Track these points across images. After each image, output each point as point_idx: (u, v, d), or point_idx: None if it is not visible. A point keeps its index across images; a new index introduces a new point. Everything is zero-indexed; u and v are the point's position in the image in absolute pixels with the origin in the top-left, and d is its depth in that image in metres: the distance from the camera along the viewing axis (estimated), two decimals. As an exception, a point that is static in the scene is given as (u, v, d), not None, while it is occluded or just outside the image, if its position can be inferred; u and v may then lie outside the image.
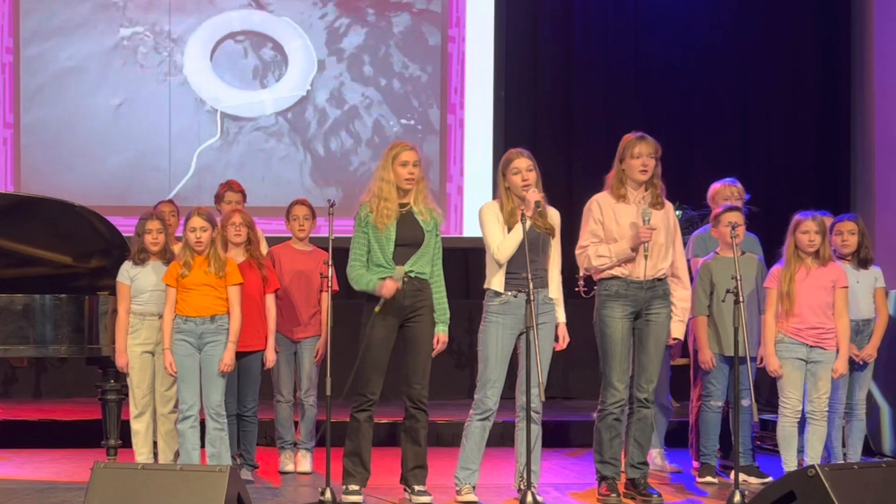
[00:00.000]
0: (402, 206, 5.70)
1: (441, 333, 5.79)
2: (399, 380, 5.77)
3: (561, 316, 5.80)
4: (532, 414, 5.62)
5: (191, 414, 5.88)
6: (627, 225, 5.78)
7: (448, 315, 5.82)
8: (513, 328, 5.70)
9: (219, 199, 7.10)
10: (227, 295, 5.96)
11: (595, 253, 5.79)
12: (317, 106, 10.22)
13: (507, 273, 5.69)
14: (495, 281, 5.72)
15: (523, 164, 5.73)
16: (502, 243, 5.66)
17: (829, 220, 6.52)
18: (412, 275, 5.69)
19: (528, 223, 5.59)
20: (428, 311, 5.75)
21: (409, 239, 5.68)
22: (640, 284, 5.82)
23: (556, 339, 5.85)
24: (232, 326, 5.96)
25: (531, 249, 5.60)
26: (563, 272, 8.40)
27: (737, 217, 6.34)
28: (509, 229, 5.66)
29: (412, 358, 5.73)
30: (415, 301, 5.71)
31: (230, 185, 7.17)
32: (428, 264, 5.76)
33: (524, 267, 5.57)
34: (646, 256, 5.72)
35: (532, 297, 5.43)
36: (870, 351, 6.35)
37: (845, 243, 6.36)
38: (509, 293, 5.69)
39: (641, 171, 5.78)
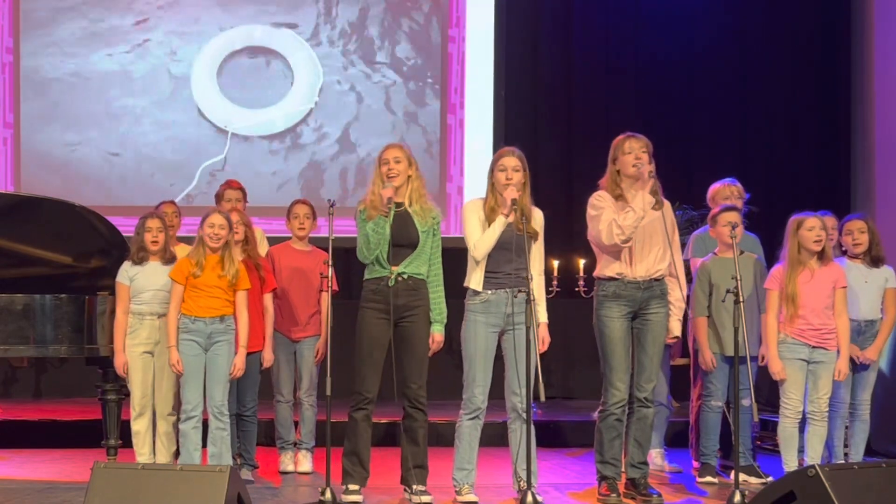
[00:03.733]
0: (396, 205, 5.71)
1: (436, 333, 5.79)
2: (398, 380, 5.76)
3: (542, 316, 5.77)
4: (521, 413, 5.65)
5: (194, 414, 5.88)
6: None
7: (444, 315, 5.82)
8: (494, 326, 5.72)
9: (219, 198, 7.13)
10: (235, 298, 5.95)
11: (619, 216, 5.70)
12: (322, 116, 10.23)
13: (486, 271, 5.71)
14: (474, 279, 5.74)
15: (510, 163, 5.74)
16: (479, 240, 5.69)
17: (830, 220, 6.53)
18: (406, 276, 5.70)
19: (506, 222, 5.62)
20: (423, 310, 5.76)
21: (403, 240, 5.69)
22: (637, 284, 5.82)
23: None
24: (241, 331, 5.96)
25: (511, 250, 5.64)
26: (562, 272, 8.43)
27: (734, 217, 6.34)
28: (490, 225, 5.68)
29: (408, 358, 5.73)
30: (409, 300, 5.72)
31: (230, 184, 7.21)
32: (424, 265, 5.76)
33: (503, 265, 5.64)
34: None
35: (532, 298, 5.44)
36: (871, 353, 6.34)
37: (857, 242, 6.34)
38: (488, 291, 5.69)
39: (634, 164, 5.77)
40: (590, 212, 5.86)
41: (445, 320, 5.83)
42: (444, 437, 7.08)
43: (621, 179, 5.85)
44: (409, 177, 5.77)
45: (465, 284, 5.78)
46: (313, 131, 10.22)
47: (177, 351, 5.86)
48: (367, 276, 5.78)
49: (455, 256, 5.86)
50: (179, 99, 10.10)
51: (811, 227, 6.05)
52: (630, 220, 5.67)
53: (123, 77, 10.06)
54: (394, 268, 5.67)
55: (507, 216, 5.63)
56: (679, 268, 5.99)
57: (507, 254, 5.67)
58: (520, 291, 5.49)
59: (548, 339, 5.77)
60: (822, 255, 6.07)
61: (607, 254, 5.85)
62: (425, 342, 5.76)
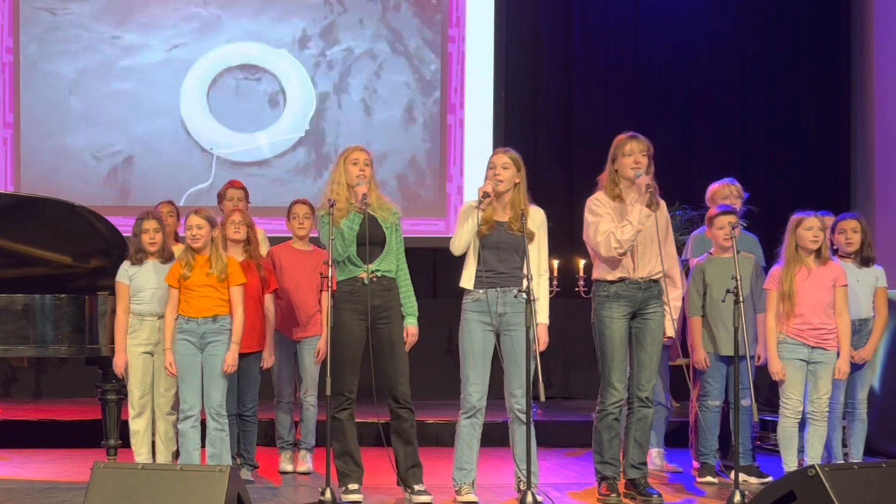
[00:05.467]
0: (366, 206, 5.73)
1: (410, 326, 5.83)
2: (382, 382, 5.76)
3: (542, 317, 5.74)
4: (518, 415, 5.64)
5: (192, 414, 5.88)
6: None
7: (416, 307, 5.86)
8: (488, 325, 5.72)
9: (221, 197, 7.14)
10: (230, 295, 5.95)
11: (617, 229, 5.70)
12: (320, 118, 10.22)
13: (477, 270, 5.72)
14: (465, 278, 5.76)
15: (499, 161, 5.76)
16: (455, 236, 5.72)
17: (829, 220, 6.53)
18: (379, 273, 5.72)
19: (479, 217, 5.62)
20: (398, 310, 5.81)
21: (372, 238, 5.73)
22: (637, 285, 5.82)
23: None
24: (235, 327, 5.95)
25: (503, 249, 5.67)
26: (562, 272, 8.41)
27: (732, 219, 6.35)
28: (483, 225, 5.69)
29: (390, 359, 5.76)
30: (384, 301, 5.75)
31: (232, 184, 7.22)
32: (393, 262, 5.82)
33: (495, 265, 5.66)
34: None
35: (533, 298, 5.43)
36: (864, 353, 6.34)
37: (849, 242, 6.36)
38: (479, 291, 5.70)
39: (633, 167, 5.77)
40: (587, 217, 5.86)
41: (417, 313, 5.86)
42: (443, 438, 7.09)
43: (619, 180, 5.85)
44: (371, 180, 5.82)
45: (459, 284, 5.79)
46: (305, 142, 10.22)
47: (171, 353, 5.87)
48: (340, 276, 5.80)
49: (456, 258, 5.85)
50: (172, 110, 10.08)
51: (809, 227, 6.06)
52: (628, 235, 5.68)
53: (122, 79, 10.06)
54: (367, 266, 5.70)
55: (477, 208, 5.64)
56: (675, 268, 5.99)
57: (499, 253, 5.69)
58: (520, 291, 5.49)
59: (545, 340, 5.74)
60: (819, 255, 6.08)
61: (604, 261, 5.85)
62: (403, 342, 5.80)
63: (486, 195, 5.64)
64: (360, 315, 5.72)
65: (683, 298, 6.37)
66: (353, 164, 5.79)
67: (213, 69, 10.11)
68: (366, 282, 5.72)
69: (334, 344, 5.69)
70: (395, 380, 5.75)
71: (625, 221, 5.72)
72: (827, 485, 4.61)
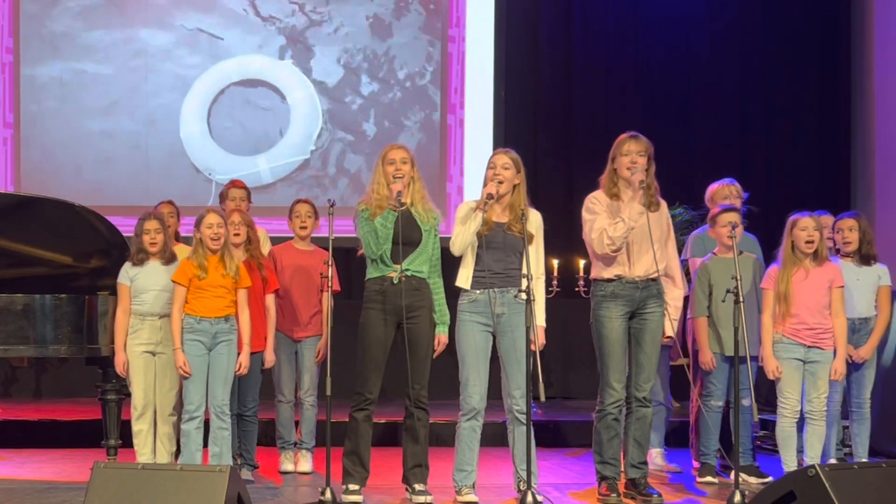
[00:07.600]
0: (400, 203, 5.72)
1: (441, 335, 5.82)
2: (400, 379, 5.77)
3: (539, 318, 5.70)
4: (518, 415, 5.65)
5: (197, 415, 5.87)
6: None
7: (448, 316, 5.86)
8: (484, 325, 5.72)
9: (223, 196, 7.11)
10: (237, 297, 5.96)
11: (610, 226, 5.72)
12: (322, 124, 10.24)
13: (474, 270, 5.73)
14: (462, 279, 5.76)
15: (500, 161, 5.77)
16: (455, 235, 5.71)
17: (828, 220, 6.54)
18: (409, 273, 5.71)
19: (481, 217, 5.63)
20: (427, 311, 5.77)
21: (407, 237, 5.71)
22: (635, 284, 5.83)
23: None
24: (244, 329, 5.96)
25: (500, 249, 5.69)
26: (562, 272, 8.40)
27: (734, 217, 6.35)
28: (486, 226, 5.70)
29: (412, 358, 5.74)
30: (413, 300, 5.72)
31: (234, 183, 7.18)
32: (426, 263, 5.79)
33: (492, 265, 5.66)
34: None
35: (532, 298, 5.43)
36: (863, 353, 6.34)
37: (846, 241, 6.37)
38: (476, 291, 5.70)
39: (628, 167, 5.78)
40: (584, 215, 5.88)
41: (448, 321, 5.85)
42: (443, 438, 7.09)
43: (617, 179, 5.86)
44: (412, 178, 5.80)
45: (456, 284, 5.79)
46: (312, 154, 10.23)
47: (182, 353, 5.87)
48: (369, 275, 5.79)
49: (457, 257, 5.85)
50: (169, 119, 10.10)
51: (804, 227, 6.07)
52: (620, 232, 5.69)
53: (122, 80, 10.07)
54: (397, 265, 5.69)
55: (481, 209, 5.64)
56: (675, 268, 5.99)
57: (497, 253, 5.69)
58: (521, 291, 5.49)
59: (542, 341, 5.70)
60: (816, 255, 6.08)
61: (600, 259, 5.86)
62: (428, 343, 5.78)
63: (490, 196, 5.64)
64: (387, 315, 5.71)
65: (684, 298, 6.37)
66: (390, 164, 5.78)
67: (215, 86, 10.10)
68: (395, 281, 5.72)
69: (359, 343, 5.69)
70: (412, 379, 5.74)
71: (617, 219, 5.73)
72: (827, 485, 4.61)
